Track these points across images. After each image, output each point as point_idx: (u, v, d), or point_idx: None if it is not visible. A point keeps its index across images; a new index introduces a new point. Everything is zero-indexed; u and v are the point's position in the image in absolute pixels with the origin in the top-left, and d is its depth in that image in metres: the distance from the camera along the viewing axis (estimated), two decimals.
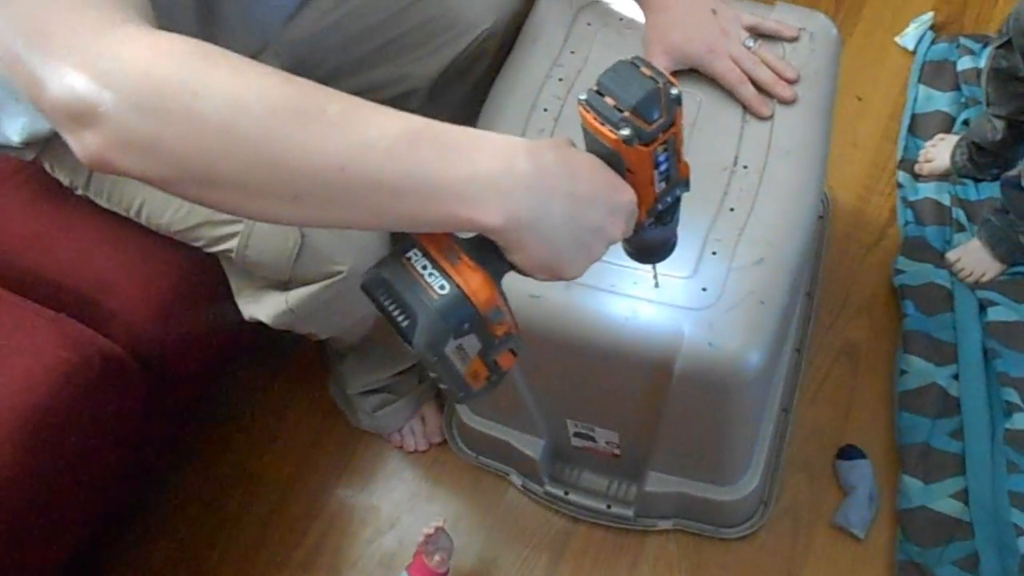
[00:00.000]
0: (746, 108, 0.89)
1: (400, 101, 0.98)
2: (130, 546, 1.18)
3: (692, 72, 0.90)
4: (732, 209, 0.85)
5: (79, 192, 0.93)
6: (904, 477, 1.13)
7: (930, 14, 1.50)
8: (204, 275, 0.97)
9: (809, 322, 1.22)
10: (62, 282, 0.95)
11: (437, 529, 1.05)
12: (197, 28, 0.77)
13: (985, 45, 1.40)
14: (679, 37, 0.89)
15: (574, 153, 0.55)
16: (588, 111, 0.54)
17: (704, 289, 0.82)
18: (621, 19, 0.96)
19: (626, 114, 0.53)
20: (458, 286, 0.52)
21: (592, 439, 1.05)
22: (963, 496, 1.10)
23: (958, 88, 1.41)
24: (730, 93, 0.90)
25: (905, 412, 1.17)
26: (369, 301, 0.55)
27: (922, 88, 1.43)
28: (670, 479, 1.05)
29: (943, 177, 1.34)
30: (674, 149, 0.56)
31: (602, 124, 0.54)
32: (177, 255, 0.96)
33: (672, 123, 0.54)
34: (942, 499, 1.11)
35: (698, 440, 0.98)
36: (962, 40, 1.45)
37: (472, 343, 0.54)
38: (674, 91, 0.54)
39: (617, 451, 1.06)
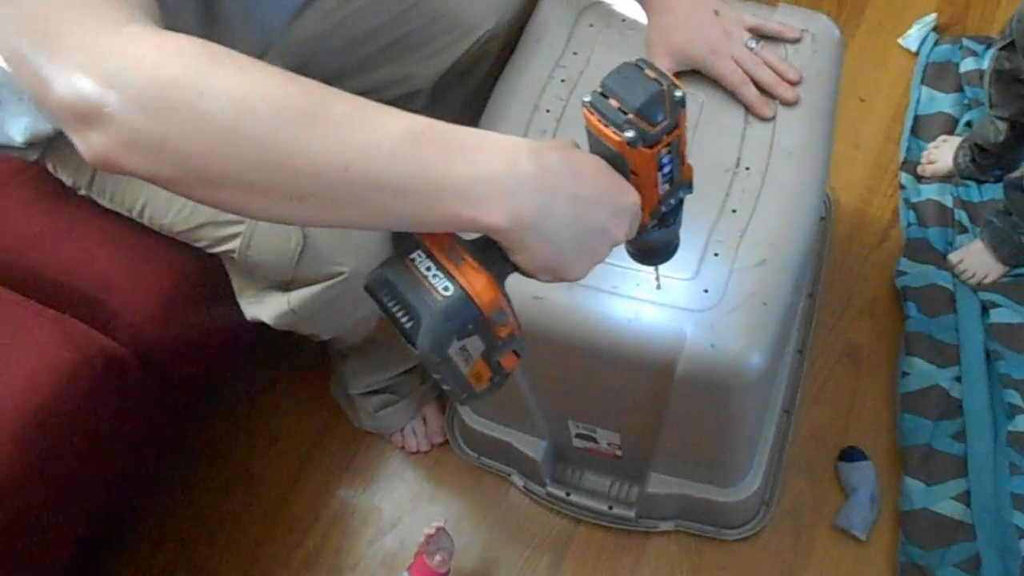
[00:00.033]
0: (748, 109, 0.89)
1: (403, 102, 0.98)
2: (131, 546, 1.18)
3: (694, 73, 0.90)
4: (734, 210, 0.85)
5: (82, 192, 0.93)
6: (906, 479, 1.13)
7: (933, 15, 1.50)
8: (206, 276, 0.98)
9: (811, 323, 1.22)
10: (65, 282, 0.95)
11: (438, 529, 1.05)
12: (199, 29, 0.77)
13: (988, 46, 1.39)
14: (681, 38, 0.89)
15: (578, 154, 0.55)
16: (592, 113, 0.54)
17: (706, 290, 0.81)
18: (623, 20, 0.96)
19: (630, 116, 0.53)
20: (462, 287, 0.52)
21: (594, 440, 1.05)
22: (965, 498, 1.10)
23: (961, 90, 1.41)
24: (732, 94, 0.90)
25: (907, 414, 1.17)
26: (370, 302, 0.55)
27: (925, 89, 1.43)
28: (672, 480, 1.05)
29: (946, 179, 1.33)
30: (678, 151, 0.56)
31: (606, 126, 0.54)
32: (180, 255, 0.96)
33: (676, 125, 0.54)
34: (944, 501, 1.11)
35: (700, 441, 0.98)
36: (965, 41, 1.45)
37: (476, 344, 0.54)
38: (678, 93, 0.54)
39: (619, 452, 1.06)
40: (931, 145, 1.36)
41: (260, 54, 0.50)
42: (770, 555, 1.13)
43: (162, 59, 0.48)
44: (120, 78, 0.47)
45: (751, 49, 0.90)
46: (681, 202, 0.61)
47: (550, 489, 1.14)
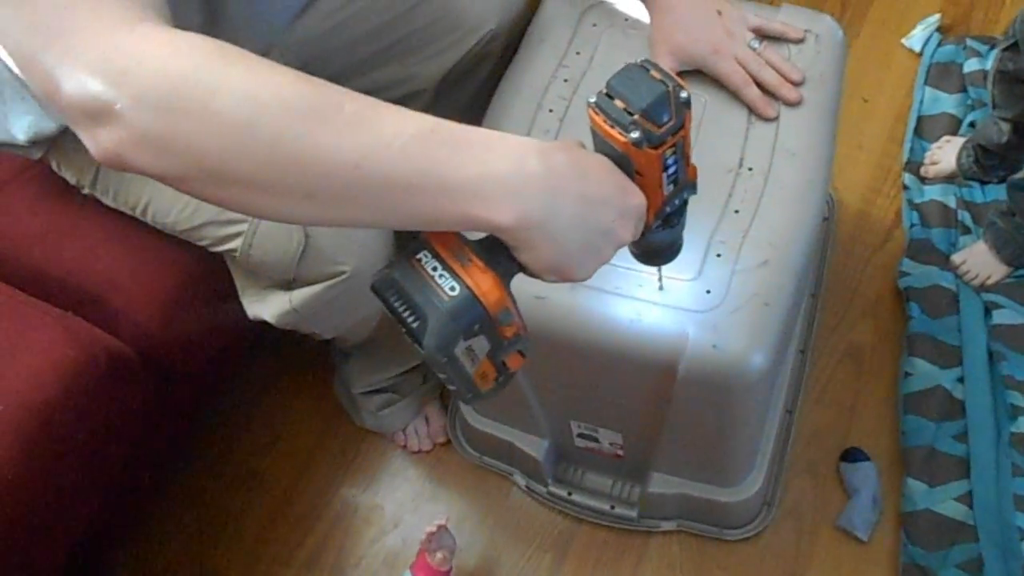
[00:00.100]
0: (751, 110, 0.89)
1: (406, 102, 0.97)
2: (133, 544, 1.18)
3: (697, 73, 0.90)
4: (737, 211, 0.85)
5: (85, 191, 0.93)
6: (908, 480, 1.12)
7: (937, 16, 1.49)
8: (209, 274, 0.98)
9: (813, 324, 1.22)
10: (68, 280, 0.95)
11: (439, 527, 1.05)
12: (202, 28, 0.77)
13: (992, 47, 1.39)
14: (684, 38, 0.89)
15: (585, 155, 0.55)
16: (597, 114, 0.54)
17: (708, 291, 0.81)
18: (627, 20, 0.96)
19: (636, 117, 0.53)
20: (468, 287, 0.52)
21: (596, 440, 1.05)
22: (967, 499, 1.10)
23: (964, 90, 1.41)
24: (735, 95, 0.90)
25: (910, 415, 1.17)
26: (372, 301, 0.55)
27: (928, 90, 1.43)
28: (674, 480, 1.05)
29: (949, 179, 1.33)
30: (682, 152, 0.56)
31: (612, 127, 0.54)
32: (183, 254, 0.96)
33: (681, 126, 0.54)
34: (946, 502, 1.10)
35: (702, 441, 0.98)
36: (969, 42, 1.45)
37: (481, 344, 0.54)
38: (683, 94, 0.54)
39: (621, 452, 1.06)
40: (934, 146, 1.36)
41: (262, 54, 0.50)
42: (772, 555, 1.13)
43: (174, 57, 0.48)
44: (132, 76, 0.47)
45: (754, 49, 0.90)
46: (685, 203, 0.61)
47: (552, 488, 1.14)
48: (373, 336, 1.08)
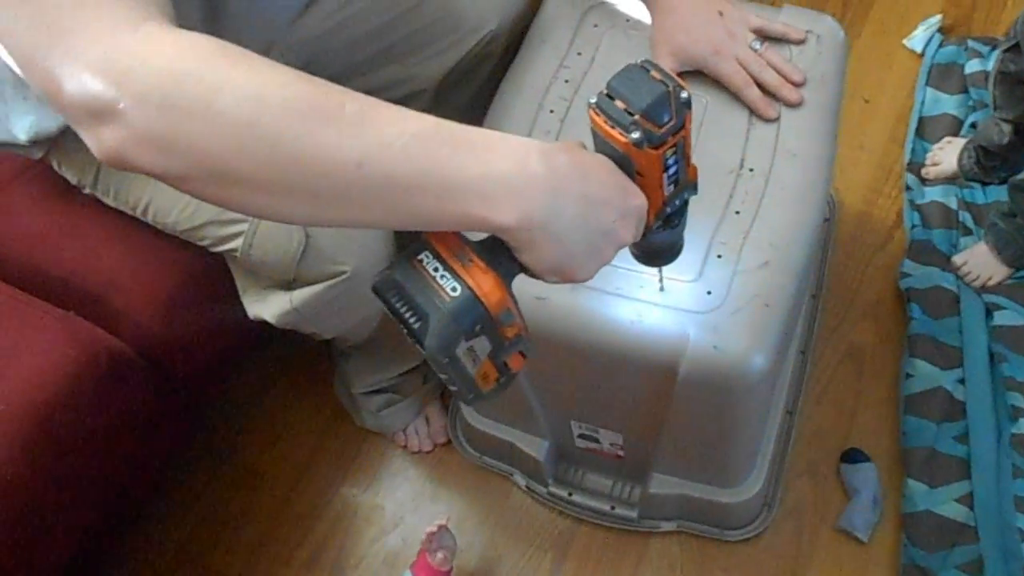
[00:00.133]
0: (752, 111, 0.89)
1: (406, 102, 0.97)
2: (133, 543, 1.18)
3: (698, 74, 0.90)
4: (737, 212, 0.85)
5: (86, 191, 0.93)
6: (909, 481, 1.12)
7: (938, 16, 1.49)
8: (210, 274, 0.98)
9: (814, 325, 1.22)
10: (69, 280, 0.96)
11: (440, 527, 1.05)
12: (202, 27, 0.78)
13: (993, 48, 1.39)
14: (685, 39, 0.89)
15: (587, 156, 0.55)
16: (598, 114, 0.55)
17: (709, 292, 0.81)
18: (628, 20, 0.96)
19: (636, 117, 0.53)
20: (470, 288, 0.52)
21: (596, 441, 1.05)
22: (968, 500, 1.10)
23: (966, 91, 1.41)
24: (736, 96, 0.90)
25: (910, 416, 1.17)
26: (372, 301, 0.55)
27: (930, 91, 1.43)
28: (674, 481, 1.05)
29: (950, 180, 1.33)
30: (683, 152, 0.56)
31: (612, 127, 0.54)
32: (183, 254, 0.96)
33: (681, 126, 0.54)
34: (947, 503, 1.10)
35: (702, 442, 0.98)
36: (970, 43, 1.45)
37: (483, 345, 0.54)
38: (684, 94, 0.54)
39: (621, 453, 1.06)
40: (935, 147, 1.36)
41: (262, 53, 0.50)
42: (772, 556, 1.12)
43: (178, 56, 0.48)
44: (135, 75, 0.47)
45: (755, 50, 0.90)
46: (686, 203, 0.61)
47: (552, 489, 1.14)
48: (373, 336, 1.08)
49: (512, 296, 0.55)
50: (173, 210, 0.91)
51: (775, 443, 1.10)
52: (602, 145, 0.56)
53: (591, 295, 0.82)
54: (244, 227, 0.88)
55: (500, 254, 0.54)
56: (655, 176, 0.56)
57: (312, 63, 0.94)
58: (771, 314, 0.81)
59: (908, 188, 1.35)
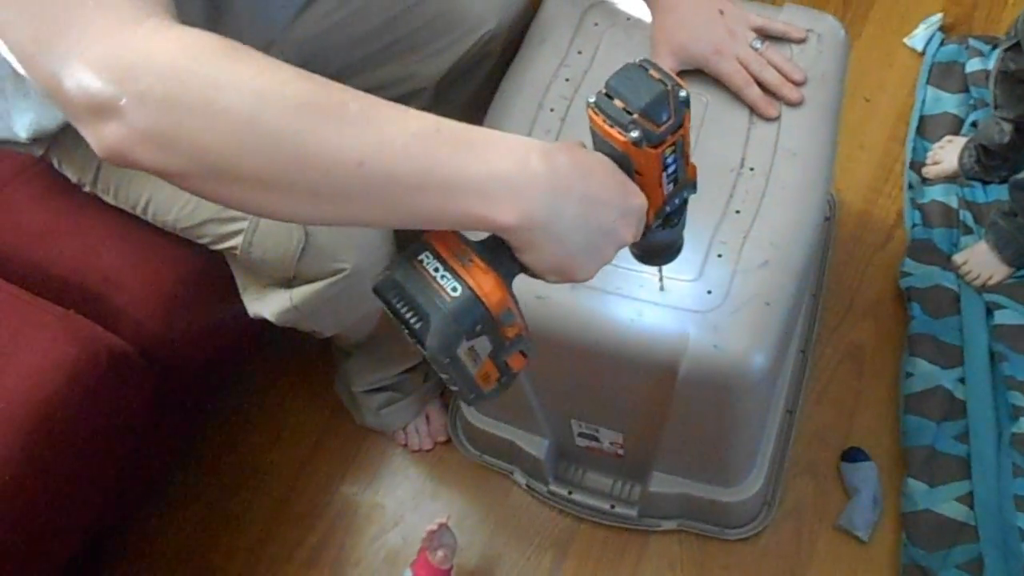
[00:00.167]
0: (752, 110, 0.89)
1: (406, 101, 0.97)
2: (134, 543, 1.19)
3: (699, 73, 0.90)
4: (738, 211, 0.85)
5: (86, 188, 0.93)
6: (909, 480, 1.12)
7: (939, 15, 1.49)
8: (210, 272, 0.98)
9: (814, 324, 1.22)
10: (69, 278, 0.96)
11: (440, 525, 1.06)
12: (204, 24, 0.78)
13: (994, 47, 1.39)
14: (685, 37, 0.89)
15: (587, 155, 0.55)
16: (597, 114, 0.55)
17: (709, 291, 0.81)
18: (628, 19, 0.96)
19: (635, 116, 0.53)
20: (470, 288, 0.52)
21: (596, 439, 1.05)
22: (968, 500, 1.10)
23: (967, 90, 1.41)
24: (736, 95, 0.89)
25: (910, 415, 1.17)
26: (372, 299, 0.55)
27: (930, 90, 1.43)
28: (674, 480, 1.05)
29: (951, 179, 1.33)
30: (682, 151, 0.56)
31: (611, 126, 0.54)
32: (183, 252, 0.96)
33: (680, 125, 0.54)
34: (947, 502, 1.10)
35: (702, 441, 0.98)
36: (971, 42, 1.45)
37: (484, 345, 0.54)
38: (682, 93, 0.54)
39: (621, 451, 1.06)
40: (936, 145, 1.36)
41: (262, 51, 0.50)
42: (772, 555, 1.13)
43: (181, 53, 0.48)
44: (138, 72, 0.47)
45: (756, 49, 0.90)
46: (685, 202, 0.61)
47: (552, 487, 1.14)
48: (374, 334, 1.08)
49: (513, 296, 0.55)
50: (173, 208, 0.91)
51: (775, 442, 1.10)
52: (601, 144, 0.56)
53: (591, 294, 0.82)
54: (244, 225, 0.88)
55: (500, 254, 0.54)
56: (654, 175, 0.56)
57: (312, 61, 0.93)
58: (771, 313, 0.81)
59: (909, 187, 1.35)
